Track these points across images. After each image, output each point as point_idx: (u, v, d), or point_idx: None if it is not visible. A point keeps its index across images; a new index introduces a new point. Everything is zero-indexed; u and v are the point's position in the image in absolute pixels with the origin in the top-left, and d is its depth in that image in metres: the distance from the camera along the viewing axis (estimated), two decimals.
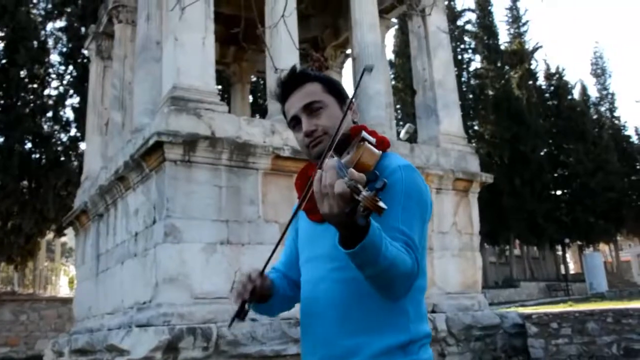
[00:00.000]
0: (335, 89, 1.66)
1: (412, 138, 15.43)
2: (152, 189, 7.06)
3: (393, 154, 1.63)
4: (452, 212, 9.21)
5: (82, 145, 17.05)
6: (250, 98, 19.00)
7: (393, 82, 26.43)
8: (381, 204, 1.18)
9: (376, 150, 1.46)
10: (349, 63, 11.86)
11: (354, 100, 1.63)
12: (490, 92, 29.19)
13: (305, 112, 1.62)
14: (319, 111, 1.62)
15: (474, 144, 25.39)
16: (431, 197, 1.65)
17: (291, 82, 1.65)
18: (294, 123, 1.66)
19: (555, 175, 31.72)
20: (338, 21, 11.57)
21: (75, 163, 18.07)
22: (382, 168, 1.52)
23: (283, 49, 7.45)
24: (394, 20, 12.83)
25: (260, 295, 1.58)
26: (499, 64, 30.60)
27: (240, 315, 1.50)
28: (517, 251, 36.13)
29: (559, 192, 31.94)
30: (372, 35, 8.96)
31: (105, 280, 8.76)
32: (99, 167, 10.14)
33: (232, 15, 9.29)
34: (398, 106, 26.40)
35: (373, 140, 1.53)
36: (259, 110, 20.31)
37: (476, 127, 29.38)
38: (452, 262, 8.99)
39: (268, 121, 7.65)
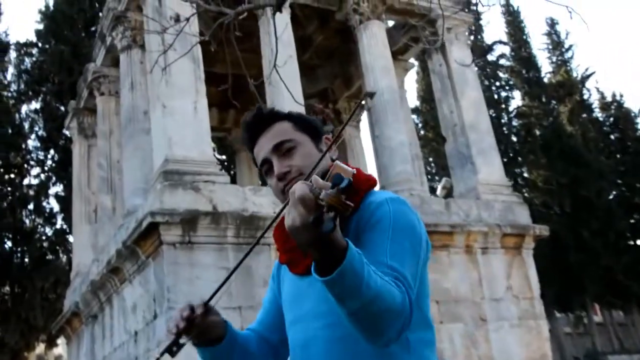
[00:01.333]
0: (308, 126, 1.75)
1: (450, 194, 15.48)
2: (151, 278, 7.23)
3: (381, 191, 1.68)
4: (505, 274, 9.19)
5: (71, 239, 17.46)
6: None
7: (422, 132, 26.79)
8: (348, 202, 1.21)
9: (348, 168, 1.44)
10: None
11: (331, 134, 1.71)
12: (537, 132, 29.35)
13: (276, 154, 1.68)
14: (292, 151, 1.68)
15: (525, 194, 25.29)
16: (428, 236, 1.68)
17: (258, 124, 1.73)
18: (266, 167, 1.71)
19: (632, 221, 31.18)
20: (348, 69, 12.01)
21: (64, 259, 18.41)
22: (367, 203, 1.58)
23: (285, 105, 7.75)
24: (413, 61, 13.24)
25: (203, 332, 1.56)
26: (543, 99, 30.91)
27: (172, 349, 1.43)
28: (597, 317, 35.05)
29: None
30: (386, 79, 9.30)
31: None
32: (90, 260, 10.39)
33: (227, 75, 9.74)
34: (430, 159, 26.61)
35: (351, 170, 1.52)
36: None
37: (526, 174, 29.35)
38: (512, 335, 8.90)
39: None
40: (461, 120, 10.19)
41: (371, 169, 12.51)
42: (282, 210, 1.41)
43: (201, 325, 1.54)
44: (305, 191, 1.24)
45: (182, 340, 1.45)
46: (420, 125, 27.27)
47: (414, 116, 26.63)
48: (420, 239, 1.58)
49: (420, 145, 26.28)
